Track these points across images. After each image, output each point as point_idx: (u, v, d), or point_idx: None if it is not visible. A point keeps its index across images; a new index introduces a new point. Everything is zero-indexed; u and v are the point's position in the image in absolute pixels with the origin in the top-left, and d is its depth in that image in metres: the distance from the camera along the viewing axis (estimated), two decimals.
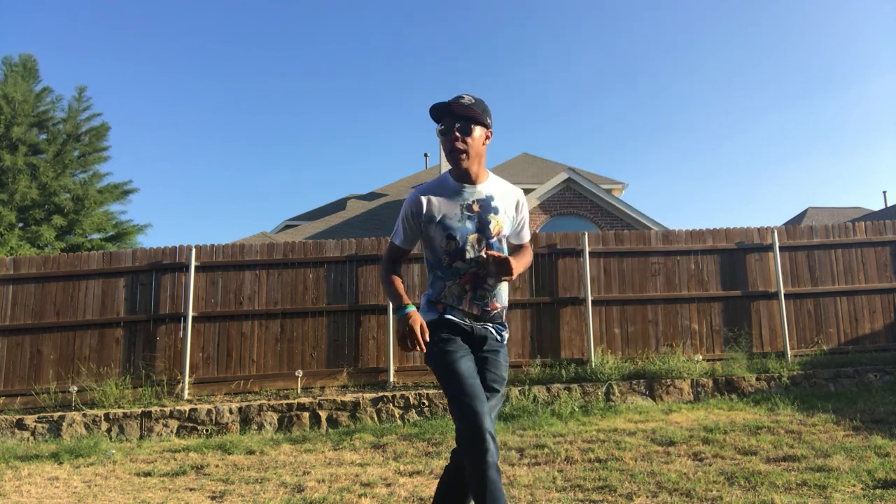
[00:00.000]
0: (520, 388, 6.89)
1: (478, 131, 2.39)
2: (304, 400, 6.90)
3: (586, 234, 8.07)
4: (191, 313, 7.57)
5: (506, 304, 2.53)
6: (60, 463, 5.44)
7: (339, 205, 21.08)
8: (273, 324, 7.69)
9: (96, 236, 18.30)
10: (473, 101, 2.39)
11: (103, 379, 7.27)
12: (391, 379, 7.48)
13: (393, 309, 2.36)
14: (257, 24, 67.98)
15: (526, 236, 2.64)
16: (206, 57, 59.56)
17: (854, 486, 3.44)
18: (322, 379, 7.53)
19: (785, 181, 76.79)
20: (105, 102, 45.17)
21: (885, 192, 25.55)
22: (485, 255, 2.37)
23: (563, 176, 15.25)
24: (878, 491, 3.33)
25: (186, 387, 7.38)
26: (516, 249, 2.62)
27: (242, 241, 12.49)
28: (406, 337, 2.25)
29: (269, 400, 7.09)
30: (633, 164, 65.78)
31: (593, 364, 7.40)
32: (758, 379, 7.11)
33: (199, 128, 62.91)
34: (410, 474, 4.38)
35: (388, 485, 4.10)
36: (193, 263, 7.68)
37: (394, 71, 71.54)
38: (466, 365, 2.30)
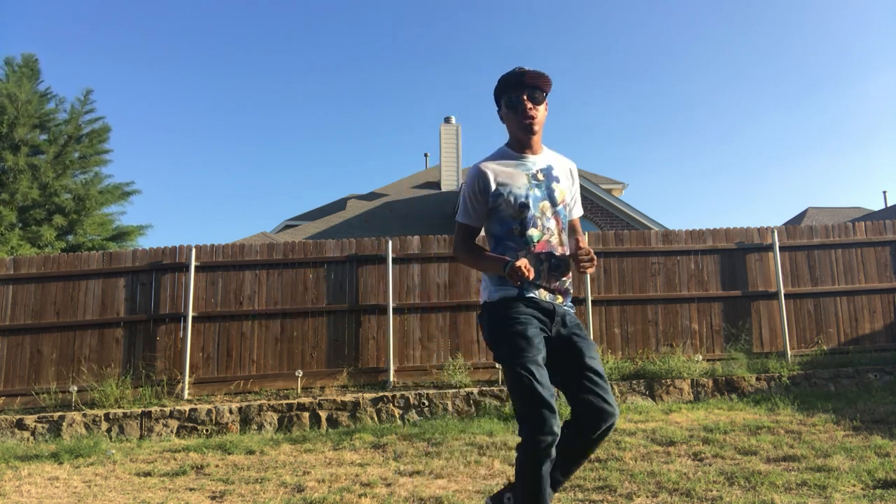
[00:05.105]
0: None
1: (545, 101, 2.41)
2: (304, 400, 6.90)
3: (586, 234, 8.07)
4: (191, 313, 7.57)
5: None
6: (60, 463, 5.43)
7: (339, 205, 21.07)
8: (273, 324, 7.69)
9: (96, 237, 18.28)
10: (541, 73, 2.36)
11: (103, 379, 7.27)
12: (391, 379, 7.48)
13: (499, 268, 2.24)
14: (257, 25, 68.00)
15: (578, 210, 2.57)
16: (206, 57, 59.60)
17: (854, 486, 3.44)
18: (322, 379, 7.53)
19: (785, 181, 76.78)
20: (106, 103, 45.23)
21: (885, 192, 25.54)
22: (581, 246, 2.26)
23: None
24: (878, 491, 3.32)
25: (186, 387, 7.38)
26: (570, 227, 2.54)
27: (242, 241, 12.49)
28: (515, 271, 2.14)
29: (269, 400, 7.09)
30: (633, 164, 65.73)
31: None
32: (758, 379, 7.11)
33: (199, 128, 62.92)
34: (410, 474, 4.38)
35: (388, 485, 4.10)
36: (193, 263, 7.68)
37: (394, 71, 71.57)
38: (542, 355, 2.20)
